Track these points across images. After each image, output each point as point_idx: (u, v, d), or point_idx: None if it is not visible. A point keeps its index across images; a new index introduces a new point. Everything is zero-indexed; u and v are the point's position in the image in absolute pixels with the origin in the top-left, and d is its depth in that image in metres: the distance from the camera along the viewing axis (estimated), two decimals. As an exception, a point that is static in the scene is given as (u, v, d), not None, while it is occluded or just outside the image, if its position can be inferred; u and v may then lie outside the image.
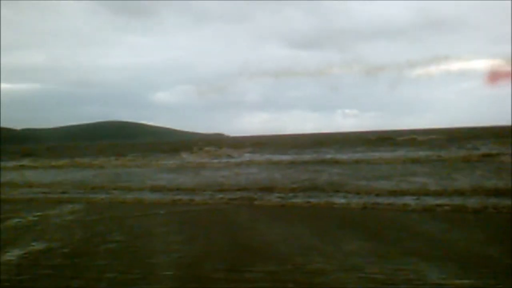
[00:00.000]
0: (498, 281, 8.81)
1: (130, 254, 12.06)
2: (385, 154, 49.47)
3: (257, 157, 53.98)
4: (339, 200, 21.09)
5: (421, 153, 47.64)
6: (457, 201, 19.36)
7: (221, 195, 24.03)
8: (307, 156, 50.37)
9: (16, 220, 18.14)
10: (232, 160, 50.93)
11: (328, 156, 49.59)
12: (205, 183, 30.00)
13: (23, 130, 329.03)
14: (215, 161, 51.03)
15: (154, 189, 27.59)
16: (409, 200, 20.15)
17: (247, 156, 55.45)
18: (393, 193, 22.15)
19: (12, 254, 12.19)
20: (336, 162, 43.29)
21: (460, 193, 21.21)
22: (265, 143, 72.18)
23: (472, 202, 18.92)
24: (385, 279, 9.04)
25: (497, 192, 20.69)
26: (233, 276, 9.58)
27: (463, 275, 9.14)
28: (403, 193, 22.01)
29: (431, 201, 19.68)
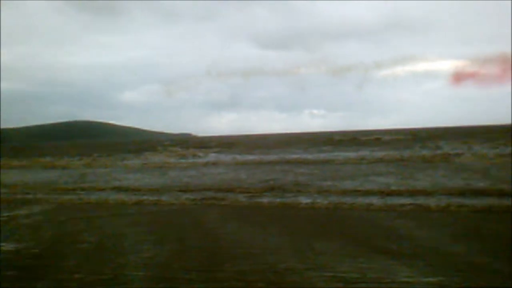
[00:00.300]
0: (465, 278, 9.05)
1: (99, 254, 12.03)
2: (351, 154, 50.06)
3: (224, 157, 54.07)
4: (305, 200, 21.34)
5: (385, 153, 48.35)
6: (420, 200, 19.79)
7: (187, 196, 24.05)
8: (273, 156, 50.63)
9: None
10: (199, 160, 50.94)
11: (295, 156, 49.98)
12: (171, 183, 29.98)
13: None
14: (182, 161, 50.94)
15: (120, 189, 27.42)
16: (373, 199, 20.54)
17: (214, 156, 55.48)
18: (358, 192, 22.53)
19: (-21, 256, 12.05)
20: (302, 162, 43.69)
21: (423, 192, 21.68)
22: (232, 143, 72.26)
23: (435, 201, 19.38)
24: (354, 277, 9.23)
25: (459, 192, 21.21)
26: (204, 276, 9.64)
27: (430, 273, 9.39)
28: (367, 192, 22.42)
29: (395, 200, 20.08)
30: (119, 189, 27.68)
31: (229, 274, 9.72)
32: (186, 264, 10.66)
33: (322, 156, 49.47)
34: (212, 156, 55.34)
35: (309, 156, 49.38)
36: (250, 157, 51.86)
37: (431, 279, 9.00)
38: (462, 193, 20.94)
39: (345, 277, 9.26)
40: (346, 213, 18.12)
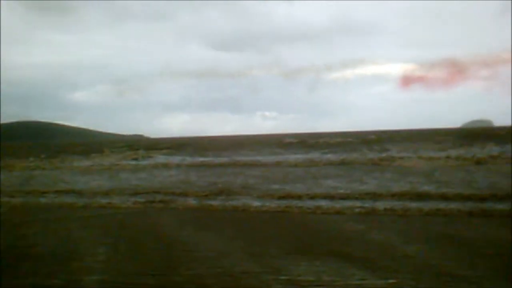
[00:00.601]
0: (418, 280, 9.31)
1: (52, 258, 11.92)
2: (300, 156, 50.61)
3: (175, 159, 53.84)
4: (255, 203, 21.60)
5: (334, 156, 49.12)
6: (368, 203, 20.29)
7: (137, 199, 23.95)
8: (224, 159, 50.74)
9: None
10: (150, 162, 50.53)
11: (245, 159, 50.20)
12: (121, 185, 29.73)
13: None
14: (132, 162, 50.43)
15: (68, 192, 27.04)
16: (322, 202, 20.93)
17: (164, 158, 55.14)
18: (307, 196, 22.86)
19: None
20: (252, 165, 43.95)
21: (371, 195, 22.20)
22: (183, 145, 71.71)
23: (382, 204, 19.92)
24: (310, 280, 9.47)
25: (404, 195, 21.84)
26: (160, 280, 9.73)
27: (383, 275, 9.70)
28: (316, 195, 22.75)
29: (343, 203, 20.53)
30: (67, 192, 27.27)
31: (185, 277, 9.81)
32: (141, 268, 10.68)
33: (272, 158, 49.88)
34: (163, 158, 55.01)
35: (260, 158, 49.71)
36: (201, 159, 51.85)
37: (383, 282, 9.31)
38: (407, 196, 21.54)
39: (301, 280, 9.49)
40: (296, 217, 18.44)
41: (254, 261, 11.07)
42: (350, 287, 9.05)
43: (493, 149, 48.30)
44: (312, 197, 22.33)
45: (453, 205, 18.94)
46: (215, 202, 22.18)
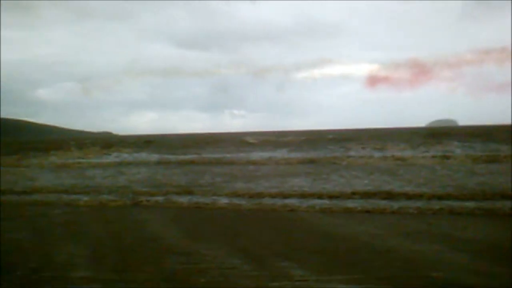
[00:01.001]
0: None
1: (16, 256, 11.78)
2: (267, 154, 50.73)
3: (142, 156, 53.50)
4: (222, 200, 21.65)
5: (301, 154, 49.40)
6: (334, 201, 20.49)
7: (104, 196, 23.80)
8: (192, 156, 50.61)
9: None
10: (117, 159, 50.11)
11: (213, 156, 50.14)
12: (87, 183, 29.46)
13: None
14: (98, 160, 49.90)
15: (33, 189, 26.69)
16: (289, 200, 21.07)
17: (132, 155, 54.72)
18: (274, 194, 22.92)
19: None
20: (219, 163, 43.99)
21: (336, 193, 22.39)
22: (151, 142, 71.26)
23: (347, 202, 20.16)
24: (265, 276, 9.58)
25: (369, 194, 22.06)
26: (125, 277, 9.71)
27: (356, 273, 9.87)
28: (282, 194, 22.76)
29: (311, 201, 20.67)
30: (31, 189, 26.90)
31: (152, 274, 9.83)
32: (107, 264, 10.69)
33: (240, 156, 49.92)
34: (129, 155, 54.58)
35: (228, 156, 49.73)
36: (168, 156, 51.58)
37: (332, 277, 9.43)
38: (373, 194, 21.79)
39: (255, 275, 9.59)
40: (263, 214, 18.56)
41: (212, 258, 11.09)
42: (310, 281, 9.16)
43: (456, 148, 49.15)
44: (278, 196, 22.35)
45: (419, 203, 19.19)
46: (182, 199, 22.13)
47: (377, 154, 45.28)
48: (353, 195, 21.76)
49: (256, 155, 51.52)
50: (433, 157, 41.38)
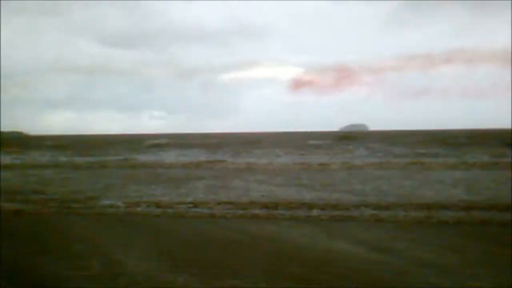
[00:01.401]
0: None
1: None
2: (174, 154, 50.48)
3: (47, 157, 51.90)
4: (118, 203, 21.08)
5: (208, 156, 49.53)
6: (237, 207, 20.18)
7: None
8: (93, 158, 49.52)
9: None
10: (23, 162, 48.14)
11: (115, 158, 49.21)
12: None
13: None
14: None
15: None
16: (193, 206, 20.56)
17: (37, 157, 52.87)
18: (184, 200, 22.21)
19: None
20: (124, 166, 43.24)
21: (238, 198, 22.22)
22: (61, 144, 69.11)
23: (248, 206, 19.95)
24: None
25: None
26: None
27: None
28: (180, 202, 21.99)
29: (218, 207, 20.17)
30: None
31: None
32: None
33: (146, 158, 49.26)
34: (41, 157, 52.72)
35: (137, 157, 49.03)
36: (73, 159, 50.31)
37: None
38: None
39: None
40: (161, 220, 17.90)
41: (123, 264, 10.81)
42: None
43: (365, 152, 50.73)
44: (180, 203, 21.60)
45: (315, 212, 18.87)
46: (76, 205, 21.21)
47: (274, 160, 45.79)
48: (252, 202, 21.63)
49: (165, 157, 51.13)
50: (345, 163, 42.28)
